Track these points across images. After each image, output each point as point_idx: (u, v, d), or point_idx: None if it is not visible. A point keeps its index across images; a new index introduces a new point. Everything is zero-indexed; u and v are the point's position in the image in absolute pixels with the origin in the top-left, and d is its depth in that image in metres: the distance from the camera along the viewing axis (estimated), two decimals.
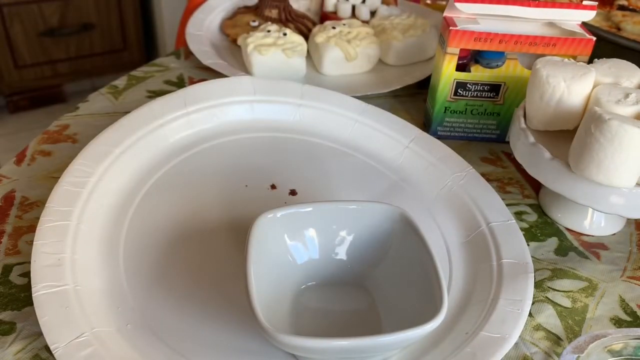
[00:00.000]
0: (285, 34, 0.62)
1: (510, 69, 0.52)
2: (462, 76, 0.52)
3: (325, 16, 0.73)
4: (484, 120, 0.55)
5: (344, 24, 0.66)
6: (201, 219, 0.41)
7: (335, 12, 0.73)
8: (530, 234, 0.44)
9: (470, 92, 0.53)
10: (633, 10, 0.71)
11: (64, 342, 0.30)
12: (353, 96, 0.53)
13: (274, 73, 0.60)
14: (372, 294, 0.36)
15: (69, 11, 1.71)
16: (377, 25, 0.70)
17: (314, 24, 0.70)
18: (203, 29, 0.70)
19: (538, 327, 0.36)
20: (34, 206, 0.43)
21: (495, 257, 0.39)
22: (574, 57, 0.50)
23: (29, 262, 0.34)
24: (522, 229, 0.42)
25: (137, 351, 0.32)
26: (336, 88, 0.54)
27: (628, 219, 0.46)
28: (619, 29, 0.67)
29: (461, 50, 0.51)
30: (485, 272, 0.38)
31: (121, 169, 0.43)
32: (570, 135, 0.41)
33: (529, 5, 0.51)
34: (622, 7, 0.72)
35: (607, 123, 0.36)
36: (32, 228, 0.40)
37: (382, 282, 0.36)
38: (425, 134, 0.50)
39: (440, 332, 0.34)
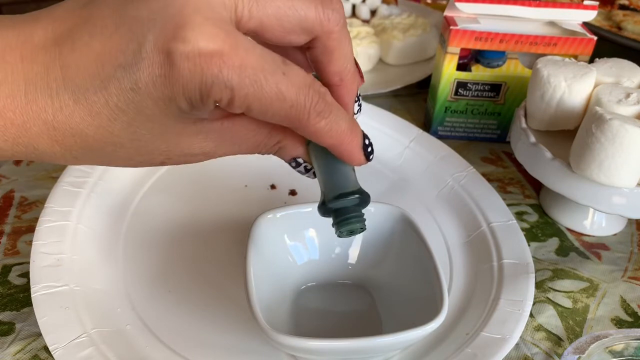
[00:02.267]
0: None
1: (511, 69, 0.52)
2: (463, 76, 0.52)
3: None
4: (484, 120, 0.55)
5: None
6: (201, 219, 0.41)
7: None
8: (531, 234, 0.44)
9: (470, 92, 0.53)
10: (634, 10, 0.71)
11: (63, 342, 0.30)
12: None
13: None
14: (372, 294, 0.36)
15: None
16: (377, 25, 0.70)
17: None
18: None
19: (539, 328, 0.36)
20: (33, 206, 0.43)
21: (496, 258, 0.39)
22: (575, 57, 0.50)
23: (28, 263, 0.34)
24: (523, 229, 0.42)
25: (136, 351, 0.32)
26: None
27: (629, 219, 0.46)
28: (620, 28, 0.67)
29: (462, 49, 0.51)
30: (486, 272, 0.38)
31: (120, 169, 0.42)
32: (571, 135, 0.41)
33: (530, 5, 0.51)
34: (623, 7, 0.72)
35: (608, 123, 0.36)
36: (31, 228, 0.40)
37: (383, 282, 0.36)
38: (425, 133, 0.50)
39: (441, 333, 0.34)
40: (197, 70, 0.21)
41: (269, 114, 0.23)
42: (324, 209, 0.28)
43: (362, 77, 0.28)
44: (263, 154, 0.28)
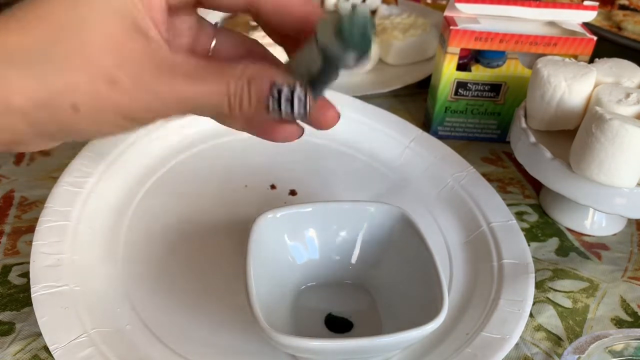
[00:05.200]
0: None
1: (511, 69, 0.52)
2: (463, 76, 0.52)
3: None
4: (484, 120, 0.55)
5: None
6: (201, 219, 0.41)
7: None
8: (531, 234, 0.44)
9: (470, 92, 0.53)
10: (634, 10, 0.71)
11: (63, 342, 0.30)
12: (353, 96, 0.53)
13: None
14: (372, 294, 0.36)
15: None
16: (377, 25, 0.70)
17: None
18: None
19: (539, 328, 0.36)
20: (33, 206, 0.43)
21: (496, 258, 0.39)
22: (575, 57, 0.50)
23: (28, 263, 0.34)
24: (522, 229, 0.42)
25: (136, 352, 0.32)
26: (336, 88, 0.54)
27: (629, 219, 0.46)
28: (620, 28, 0.67)
29: (462, 49, 0.51)
30: (486, 272, 0.38)
31: (121, 169, 0.42)
32: (571, 135, 0.41)
33: (530, 6, 0.51)
34: (623, 7, 0.72)
35: (608, 123, 0.36)
36: (31, 228, 0.40)
37: (382, 282, 0.36)
38: (425, 133, 0.50)
39: (441, 333, 0.34)
40: None
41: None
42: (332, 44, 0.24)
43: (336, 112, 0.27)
44: (235, 104, 0.24)
